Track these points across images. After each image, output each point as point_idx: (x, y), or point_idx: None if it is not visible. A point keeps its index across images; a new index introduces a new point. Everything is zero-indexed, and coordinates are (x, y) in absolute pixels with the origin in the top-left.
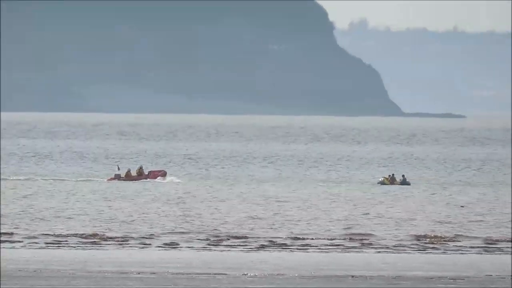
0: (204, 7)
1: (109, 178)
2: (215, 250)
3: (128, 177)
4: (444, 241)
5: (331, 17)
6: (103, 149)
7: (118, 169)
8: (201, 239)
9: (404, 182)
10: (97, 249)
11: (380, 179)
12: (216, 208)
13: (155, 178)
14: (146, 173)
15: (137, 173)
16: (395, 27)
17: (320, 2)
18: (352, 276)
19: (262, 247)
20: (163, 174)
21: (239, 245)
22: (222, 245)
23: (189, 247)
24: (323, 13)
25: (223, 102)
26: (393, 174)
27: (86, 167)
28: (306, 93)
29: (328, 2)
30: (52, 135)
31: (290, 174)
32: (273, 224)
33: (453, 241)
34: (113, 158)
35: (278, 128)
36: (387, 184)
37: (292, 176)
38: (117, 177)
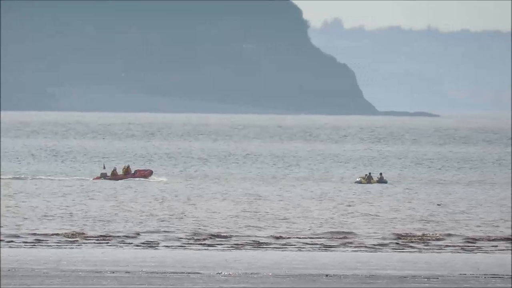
0: (179, 7)
1: (95, 177)
2: (190, 248)
3: (114, 176)
4: (423, 240)
5: (305, 16)
6: (82, 148)
7: (104, 168)
8: (182, 238)
9: (381, 180)
10: (72, 248)
11: (357, 179)
12: (200, 207)
13: (142, 177)
14: (133, 172)
15: (123, 172)
16: (369, 26)
17: (294, 1)
18: (327, 275)
19: (241, 245)
20: (150, 173)
21: (218, 244)
22: (199, 244)
23: (166, 246)
24: (297, 12)
25: (197, 102)
26: (370, 173)
27: (70, 166)
28: (279, 92)
29: (302, 2)
30: (30, 134)
31: (270, 173)
32: (256, 223)
33: (431, 240)
34: (96, 157)
35: (253, 127)
36: (364, 183)
37: (272, 175)
38: (103, 176)
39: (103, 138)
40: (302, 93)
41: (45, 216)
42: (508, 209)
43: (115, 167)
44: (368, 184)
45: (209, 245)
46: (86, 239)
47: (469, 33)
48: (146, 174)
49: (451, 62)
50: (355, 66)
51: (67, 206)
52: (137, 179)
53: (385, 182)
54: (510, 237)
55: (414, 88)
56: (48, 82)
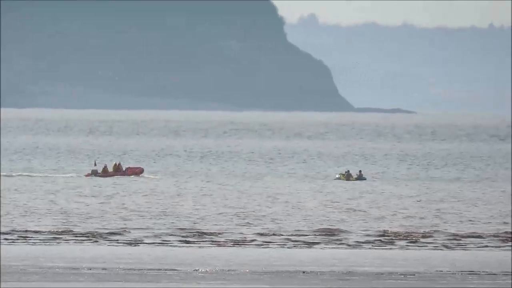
0: (149, 6)
1: (86, 173)
2: (168, 245)
3: (105, 172)
4: (406, 237)
5: (280, 13)
6: (67, 145)
7: (95, 164)
8: (163, 234)
9: (360, 177)
10: (52, 245)
11: (336, 175)
12: (186, 204)
13: (132, 174)
14: (124, 170)
15: (114, 169)
16: (345, 22)
17: None
18: (304, 272)
19: (222, 242)
20: (141, 171)
21: (198, 241)
22: (179, 241)
23: (146, 243)
24: (272, 9)
25: (170, 100)
26: (348, 170)
27: (59, 162)
28: (254, 89)
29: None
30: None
31: (249, 170)
32: (239, 220)
33: (414, 237)
34: (79, 153)
35: (231, 124)
36: (343, 180)
37: (258, 172)
38: (94, 172)
39: (87, 136)
40: (276, 90)
41: (31, 212)
42: (490, 206)
43: (106, 164)
44: (348, 181)
45: (187, 242)
46: (73, 236)
47: (445, 29)
48: (137, 171)
49: (427, 59)
50: (331, 62)
51: (57, 203)
52: (128, 176)
53: (364, 179)
54: (489, 234)
55: (390, 85)
56: (43, 81)
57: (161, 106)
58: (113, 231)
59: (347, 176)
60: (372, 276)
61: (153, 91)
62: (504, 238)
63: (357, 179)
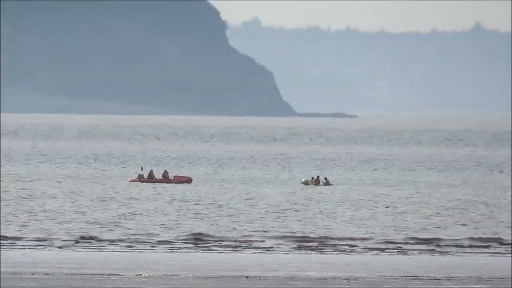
0: (88, 6)
1: (131, 179)
2: (110, 250)
3: (151, 178)
4: (348, 242)
5: (223, 17)
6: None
7: (141, 169)
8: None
9: (328, 183)
10: None
11: (302, 180)
12: (142, 209)
13: (180, 183)
14: (171, 178)
15: (162, 176)
16: (288, 25)
17: (212, 2)
18: (247, 277)
19: (164, 246)
20: (188, 180)
21: (143, 245)
22: (124, 246)
23: (86, 247)
24: (215, 13)
25: (111, 103)
26: (318, 176)
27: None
28: (196, 93)
29: (220, 2)
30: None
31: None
32: (212, 223)
33: (357, 241)
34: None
35: (182, 128)
36: (310, 185)
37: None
38: (140, 178)
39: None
40: (217, 94)
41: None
42: (437, 209)
43: (151, 169)
44: (317, 186)
45: (128, 247)
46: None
47: (388, 34)
48: (184, 180)
49: (369, 63)
50: (274, 66)
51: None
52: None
53: (331, 185)
54: (433, 238)
55: (332, 89)
56: None
57: (94, 109)
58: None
59: (316, 182)
60: (316, 281)
61: (86, 92)
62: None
63: (326, 185)
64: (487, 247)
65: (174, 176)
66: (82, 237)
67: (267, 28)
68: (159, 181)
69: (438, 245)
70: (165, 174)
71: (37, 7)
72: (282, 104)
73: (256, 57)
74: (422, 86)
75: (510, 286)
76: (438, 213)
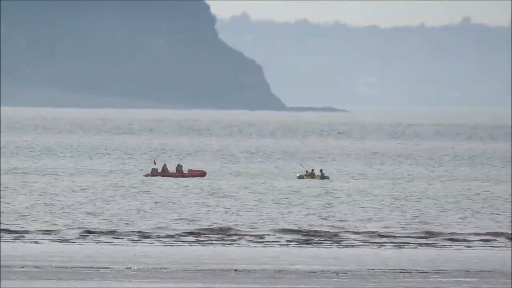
0: (76, 1)
1: (145, 173)
2: (100, 243)
3: (165, 172)
4: (337, 235)
5: (213, 10)
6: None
7: (155, 163)
8: (101, 232)
9: (323, 176)
10: None
11: (297, 174)
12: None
13: (193, 177)
14: (185, 171)
15: (177, 170)
16: (276, 19)
17: None
18: (236, 270)
19: (153, 239)
20: (202, 173)
21: (131, 239)
22: (114, 238)
23: (80, 241)
24: (205, 7)
25: (98, 97)
26: (312, 170)
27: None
28: (186, 87)
29: None
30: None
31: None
32: (194, 218)
33: (345, 234)
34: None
35: (177, 122)
36: (306, 179)
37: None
38: (154, 172)
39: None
40: (208, 88)
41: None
42: (425, 204)
43: (165, 163)
44: (312, 180)
45: (115, 239)
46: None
47: (378, 29)
48: (198, 174)
49: (359, 58)
50: (263, 60)
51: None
52: (190, 178)
53: (327, 178)
54: (422, 231)
55: (322, 83)
56: None
57: (86, 103)
58: (45, 229)
59: (311, 175)
60: (304, 274)
61: (79, 87)
62: (425, 236)
63: (321, 178)
64: (475, 241)
65: (188, 170)
66: (78, 231)
67: (256, 22)
68: (173, 175)
69: (426, 238)
70: (178, 168)
71: (27, 2)
72: (271, 98)
73: (245, 51)
74: (411, 81)
75: (501, 280)
76: (426, 207)
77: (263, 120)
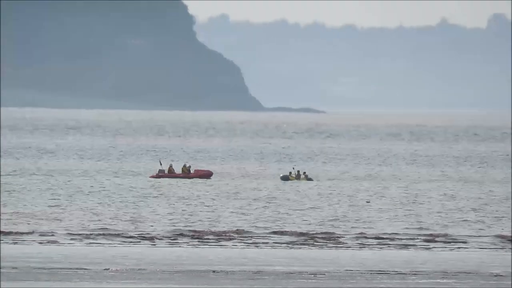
0: (54, 2)
1: (151, 175)
2: (78, 245)
3: (171, 173)
4: (324, 238)
5: (191, 11)
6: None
7: (161, 164)
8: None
9: (307, 178)
10: None
11: (281, 175)
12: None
13: (200, 177)
14: (191, 172)
15: (183, 170)
16: (255, 20)
17: None
18: (214, 271)
19: (133, 241)
20: (209, 174)
21: (108, 240)
22: (91, 240)
23: (58, 242)
24: (182, 7)
25: (77, 98)
26: (298, 171)
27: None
28: (163, 88)
29: None
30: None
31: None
32: (176, 220)
33: (333, 238)
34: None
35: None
36: (292, 180)
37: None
38: (161, 173)
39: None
40: (185, 90)
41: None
42: (405, 206)
43: (171, 164)
44: (297, 181)
45: (93, 241)
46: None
47: (355, 29)
48: (205, 174)
49: (336, 59)
50: (241, 61)
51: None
52: (197, 179)
53: (311, 180)
54: (398, 233)
55: (301, 84)
56: None
57: (65, 103)
58: (24, 231)
59: (297, 176)
60: (282, 276)
61: (58, 88)
62: (412, 238)
63: (307, 179)
64: (451, 242)
65: (195, 170)
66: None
67: (235, 24)
68: (179, 175)
69: (402, 239)
70: (184, 169)
71: (5, 3)
72: (249, 99)
73: (224, 53)
74: (390, 82)
75: (476, 281)
76: (410, 209)
77: (237, 121)
